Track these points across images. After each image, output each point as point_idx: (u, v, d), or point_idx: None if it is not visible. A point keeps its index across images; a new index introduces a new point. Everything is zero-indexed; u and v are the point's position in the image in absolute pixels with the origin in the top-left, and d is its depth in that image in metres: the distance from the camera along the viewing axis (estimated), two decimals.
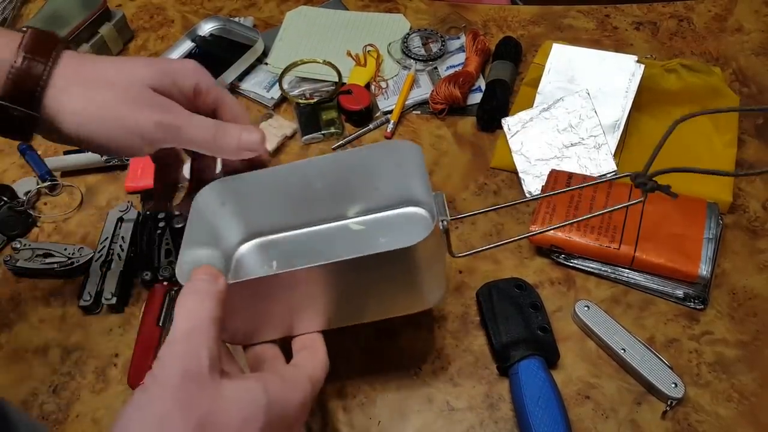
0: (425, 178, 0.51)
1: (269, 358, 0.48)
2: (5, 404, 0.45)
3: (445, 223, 0.48)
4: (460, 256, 0.50)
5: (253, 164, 0.54)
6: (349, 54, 0.84)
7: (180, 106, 0.47)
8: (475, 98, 0.79)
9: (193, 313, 0.38)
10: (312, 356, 0.47)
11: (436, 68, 0.83)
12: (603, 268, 0.64)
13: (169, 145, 0.47)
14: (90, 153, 0.76)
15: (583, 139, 0.73)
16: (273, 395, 0.39)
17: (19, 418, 0.46)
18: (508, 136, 0.74)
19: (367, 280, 0.47)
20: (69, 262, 0.67)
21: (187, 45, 0.87)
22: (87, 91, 0.44)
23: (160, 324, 0.62)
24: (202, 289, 0.39)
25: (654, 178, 0.51)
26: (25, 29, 0.45)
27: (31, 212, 0.73)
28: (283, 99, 0.82)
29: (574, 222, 0.63)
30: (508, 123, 0.75)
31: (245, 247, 0.59)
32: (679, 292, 0.61)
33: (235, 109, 0.51)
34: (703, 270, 0.60)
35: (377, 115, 0.80)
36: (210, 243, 0.55)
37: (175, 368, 0.36)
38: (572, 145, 0.73)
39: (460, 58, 0.83)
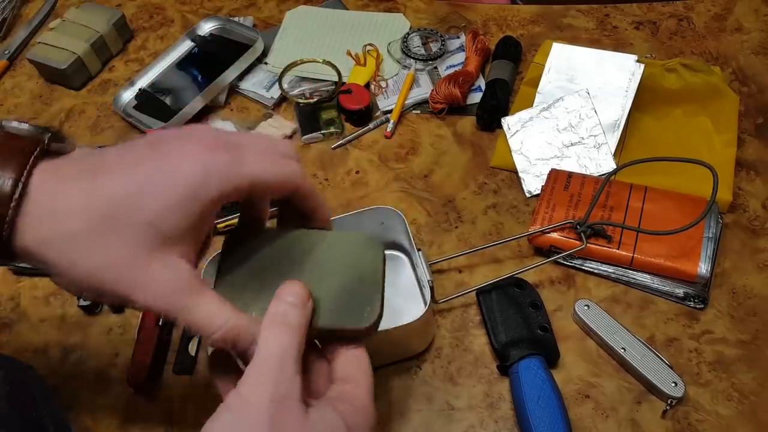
0: (409, 235, 0.59)
1: (321, 376, 0.41)
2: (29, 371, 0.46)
3: (430, 282, 0.57)
4: (442, 302, 0.61)
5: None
6: (348, 53, 0.84)
7: (194, 278, 0.36)
8: (475, 98, 0.79)
9: (286, 337, 0.35)
10: (362, 373, 0.40)
11: (435, 68, 0.83)
12: (603, 268, 0.64)
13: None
14: None
15: (583, 138, 0.73)
16: (350, 422, 0.36)
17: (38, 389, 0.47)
18: (507, 136, 0.74)
19: None
20: None
21: (187, 45, 0.87)
22: (68, 247, 0.34)
23: (160, 324, 0.62)
24: (294, 322, 0.36)
25: (593, 227, 0.63)
26: None
27: None
28: (283, 99, 0.82)
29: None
30: (508, 122, 0.75)
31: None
32: (679, 292, 0.61)
33: (276, 179, 0.38)
34: (703, 269, 0.60)
35: (377, 114, 0.80)
36: None
37: (267, 391, 0.34)
38: (572, 144, 0.73)
39: (460, 57, 0.83)
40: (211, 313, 0.36)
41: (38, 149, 0.34)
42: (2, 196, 0.32)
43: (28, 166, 0.33)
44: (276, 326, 0.35)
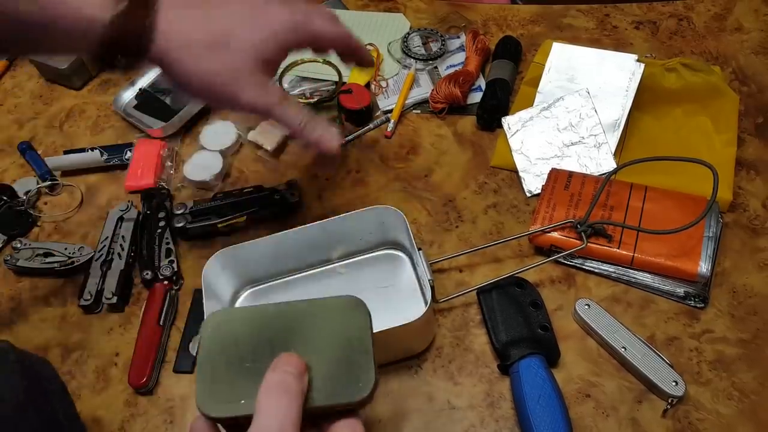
0: (409, 234, 0.60)
1: None
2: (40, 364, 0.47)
3: (431, 281, 0.57)
4: (442, 301, 0.62)
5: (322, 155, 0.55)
6: None
7: (278, 91, 0.51)
8: (476, 97, 0.79)
9: (285, 404, 0.35)
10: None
11: (436, 67, 0.83)
12: (603, 267, 0.64)
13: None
14: (90, 153, 0.76)
15: (583, 138, 0.73)
16: None
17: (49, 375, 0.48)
18: (508, 135, 0.74)
19: None
20: (69, 261, 0.67)
21: None
22: (196, 58, 0.47)
23: (161, 323, 0.62)
24: (293, 389, 0.36)
25: (593, 226, 0.63)
26: None
27: (32, 212, 0.73)
28: None
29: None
30: (509, 122, 0.75)
31: (241, 297, 0.65)
32: (680, 291, 0.62)
33: (334, 36, 0.54)
34: (703, 268, 0.60)
35: (377, 114, 0.80)
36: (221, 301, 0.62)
37: None
38: (572, 144, 0.73)
39: (460, 57, 0.83)
40: (299, 108, 0.52)
41: None
42: (142, 5, 0.45)
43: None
44: (275, 394, 0.35)
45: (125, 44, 0.45)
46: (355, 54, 0.57)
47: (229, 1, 0.49)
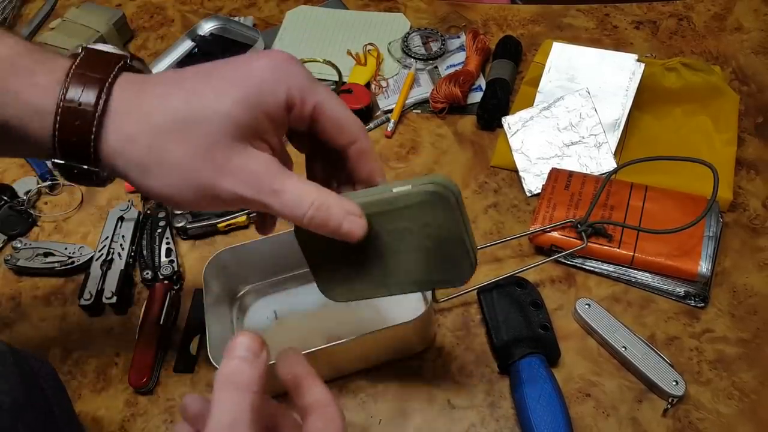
0: None
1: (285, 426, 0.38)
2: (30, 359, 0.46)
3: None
4: (443, 301, 0.62)
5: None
6: (349, 53, 0.84)
7: (274, 164, 0.38)
8: (476, 97, 0.79)
9: (236, 399, 0.33)
10: (330, 423, 0.37)
11: (436, 67, 0.83)
12: (603, 267, 0.64)
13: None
14: None
15: (583, 137, 0.73)
16: None
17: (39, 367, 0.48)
18: (508, 135, 0.74)
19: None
20: (69, 261, 0.67)
21: (187, 44, 0.87)
22: (150, 139, 0.36)
23: (161, 323, 0.62)
24: (243, 380, 0.33)
25: (593, 226, 0.62)
26: (79, 50, 0.38)
27: (32, 212, 0.73)
28: None
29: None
30: (509, 122, 0.75)
31: (247, 298, 0.65)
32: (680, 290, 0.62)
33: (340, 116, 0.40)
34: (704, 268, 0.60)
35: (378, 114, 0.80)
36: (222, 300, 0.62)
37: None
38: (573, 143, 0.73)
39: (461, 57, 0.83)
40: (300, 192, 0.37)
41: (122, 62, 0.37)
42: (89, 100, 0.35)
43: (113, 74, 0.36)
44: (226, 389, 0.33)
45: (74, 145, 0.36)
46: (360, 162, 0.42)
47: (201, 69, 0.39)
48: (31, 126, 0.36)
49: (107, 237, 0.69)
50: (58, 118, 0.36)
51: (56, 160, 0.37)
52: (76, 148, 0.36)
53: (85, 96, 0.35)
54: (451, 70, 0.81)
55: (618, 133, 0.73)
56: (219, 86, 0.37)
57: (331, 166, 0.44)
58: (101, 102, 0.35)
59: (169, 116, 0.36)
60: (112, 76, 0.36)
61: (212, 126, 0.36)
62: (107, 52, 0.38)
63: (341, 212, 0.38)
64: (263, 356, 0.34)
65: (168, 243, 0.68)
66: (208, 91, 0.37)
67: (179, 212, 0.68)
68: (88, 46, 0.38)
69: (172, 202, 0.38)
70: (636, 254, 0.62)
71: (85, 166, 0.37)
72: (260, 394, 0.33)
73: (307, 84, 0.38)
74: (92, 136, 0.36)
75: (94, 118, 0.35)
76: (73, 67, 0.36)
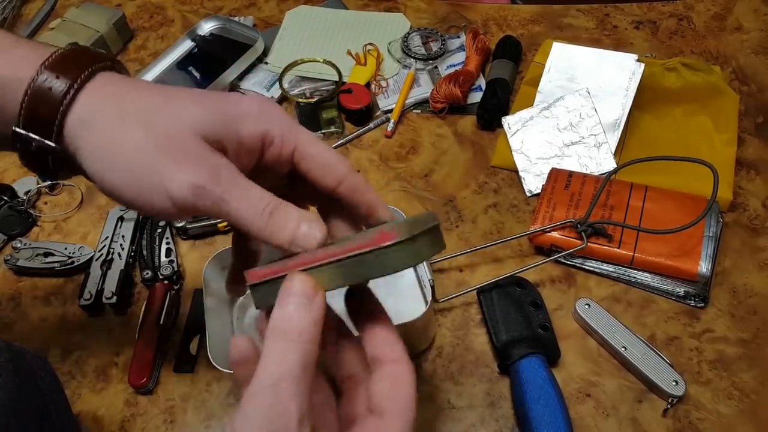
0: None
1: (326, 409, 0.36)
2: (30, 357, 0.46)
3: (431, 281, 0.56)
4: (442, 301, 0.62)
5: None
6: (349, 53, 0.84)
7: (233, 167, 0.35)
8: (476, 97, 0.79)
9: (282, 356, 0.30)
10: (398, 395, 0.34)
11: (436, 67, 0.83)
12: (603, 267, 0.64)
13: (208, 216, 0.38)
14: None
15: (583, 137, 0.73)
16: None
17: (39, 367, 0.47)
18: (508, 135, 0.74)
19: None
20: (69, 261, 0.67)
21: (187, 44, 0.87)
22: (115, 126, 0.35)
23: (161, 323, 0.62)
24: (294, 327, 0.31)
25: (593, 226, 0.62)
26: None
27: (32, 211, 0.73)
28: (284, 98, 0.82)
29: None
30: (509, 122, 0.75)
31: (247, 298, 0.64)
32: (680, 290, 0.62)
33: (323, 156, 0.38)
34: (704, 268, 0.60)
35: (377, 114, 0.80)
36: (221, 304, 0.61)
37: (259, 427, 0.29)
38: (572, 143, 0.73)
39: (461, 57, 0.83)
40: (261, 193, 0.35)
41: (105, 62, 0.37)
42: (65, 81, 0.35)
43: (95, 66, 0.36)
44: (274, 339, 0.31)
45: (35, 125, 0.36)
46: (356, 199, 0.39)
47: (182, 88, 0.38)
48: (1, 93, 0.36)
49: (107, 237, 0.69)
50: (33, 84, 0.35)
51: (17, 129, 0.36)
52: (42, 118, 0.35)
53: (63, 78, 0.35)
54: (451, 70, 0.81)
55: (618, 133, 0.73)
56: (200, 99, 0.36)
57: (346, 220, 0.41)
58: (79, 82, 0.35)
59: (137, 108, 0.35)
60: (94, 67, 0.36)
61: (182, 123, 0.35)
62: (91, 50, 0.38)
63: (296, 218, 0.35)
64: (317, 300, 0.32)
65: (168, 243, 0.68)
66: (188, 101, 0.36)
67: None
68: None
69: (121, 195, 0.36)
70: (636, 254, 0.62)
71: (45, 141, 0.36)
72: (314, 344, 0.31)
73: (288, 126, 0.37)
74: (61, 109, 0.35)
75: (70, 91, 0.35)
76: (57, 51, 0.37)
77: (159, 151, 0.34)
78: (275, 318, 0.31)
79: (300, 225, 0.35)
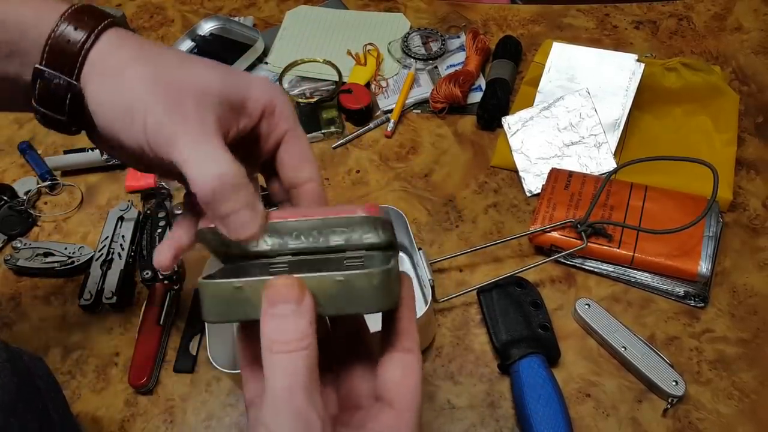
0: (410, 234, 0.59)
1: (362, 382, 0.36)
2: (27, 358, 0.46)
3: (431, 281, 0.57)
4: (442, 301, 0.62)
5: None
6: (349, 53, 0.84)
7: (218, 133, 0.34)
8: (476, 97, 0.79)
9: (286, 371, 0.30)
10: (410, 385, 0.34)
11: (436, 67, 0.83)
12: (603, 267, 0.64)
13: (163, 163, 0.35)
14: (90, 152, 0.76)
15: (583, 137, 0.73)
16: None
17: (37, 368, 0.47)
18: (508, 135, 0.74)
19: None
20: (69, 261, 0.67)
21: (187, 44, 0.87)
22: (125, 62, 0.36)
23: (161, 323, 0.62)
24: (288, 338, 0.30)
25: (593, 226, 0.63)
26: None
27: (32, 212, 0.73)
28: None
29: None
30: (509, 122, 0.75)
31: None
32: (680, 290, 0.61)
33: (306, 153, 0.39)
34: (703, 268, 0.60)
35: (377, 114, 0.80)
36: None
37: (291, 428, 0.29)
38: (572, 143, 0.73)
39: (461, 57, 0.83)
40: (226, 157, 0.33)
41: (113, 18, 0.38)
42: (77, 37, 0.36)
43: (102, 25, 0.37)
44: (272, 354, 0.30)
45: (63, 52, 0.36)
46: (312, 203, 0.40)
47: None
48: (28, 32, 0.37)
49: (107, 237, 0.69)
50: (56, 29, 0.36)
51: (39, 66, 0.37)
52: (65, 57, 0.36)
53: (80, 29, 0.37)
54: (451, 70, 0.81)
55: (618, 133, 0.73)
56: (215, 64, 0.38)
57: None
58: (96, 32, 0.37)
59: (153, 55, 0.36)
60: (108, 21, 0.38)
61: (191, 78, 0.36)
62: (102, 9, 0.39)
63: (249, 200, 0.33)
64: (306, 301, 0.30)
65: None
66: (202, 63, 0.37)
67: (179, 212, 0.68)
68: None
69: (113, 129, 0.36)
70: (636, 254, 0.62)
71: (65, 78, 0.36)
72: (315, 342, 0.30)
73: (290, 110, 0.38)
74: (83, 51, 0.36)
75: (91, 36, 0.36)
76: (74, 5, 0.38)
77: (156, 86, 0.35)
78: (266, 332, 0.30)
79: (238, 214, 0.33)
